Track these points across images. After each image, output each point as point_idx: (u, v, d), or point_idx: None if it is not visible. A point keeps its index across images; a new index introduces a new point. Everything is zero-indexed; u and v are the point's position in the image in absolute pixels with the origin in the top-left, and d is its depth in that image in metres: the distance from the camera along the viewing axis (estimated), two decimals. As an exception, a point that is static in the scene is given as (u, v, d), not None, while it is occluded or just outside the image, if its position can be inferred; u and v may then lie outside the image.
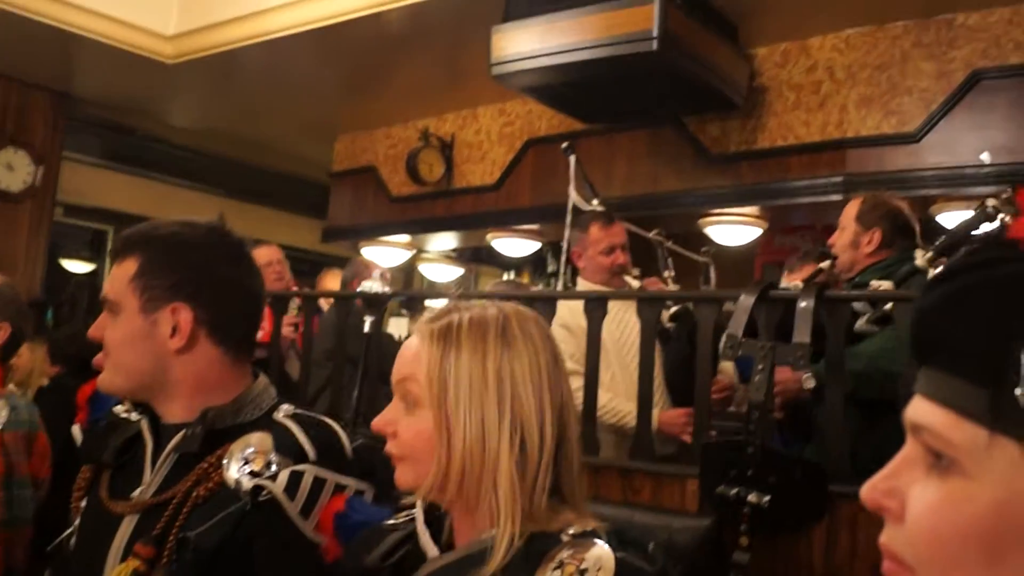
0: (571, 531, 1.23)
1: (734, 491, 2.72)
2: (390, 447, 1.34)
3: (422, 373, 1.29)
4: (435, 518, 1.37)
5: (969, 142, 4.72)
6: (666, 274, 4.10)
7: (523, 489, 1.25)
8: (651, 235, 4.19)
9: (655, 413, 3.38)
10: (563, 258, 4.22)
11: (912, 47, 4.92)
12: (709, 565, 2.71)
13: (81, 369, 3.83)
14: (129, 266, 1.62)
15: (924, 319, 0.73)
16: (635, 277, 3.87)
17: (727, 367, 3.67)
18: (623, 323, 3.65)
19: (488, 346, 1.29)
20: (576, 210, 4.16)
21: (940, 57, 4.85)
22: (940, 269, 0.75)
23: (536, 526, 1.24)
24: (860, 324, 3.13)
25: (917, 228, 3.49)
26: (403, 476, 1.33)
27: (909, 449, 0.72)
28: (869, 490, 0.73)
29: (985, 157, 4.62)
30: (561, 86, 4.93)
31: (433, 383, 1.28)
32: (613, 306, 3.59)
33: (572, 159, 4.35)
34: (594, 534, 1.22)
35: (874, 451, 2.93)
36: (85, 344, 2.78)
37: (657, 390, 3.54)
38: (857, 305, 3.17)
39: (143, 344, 1.60)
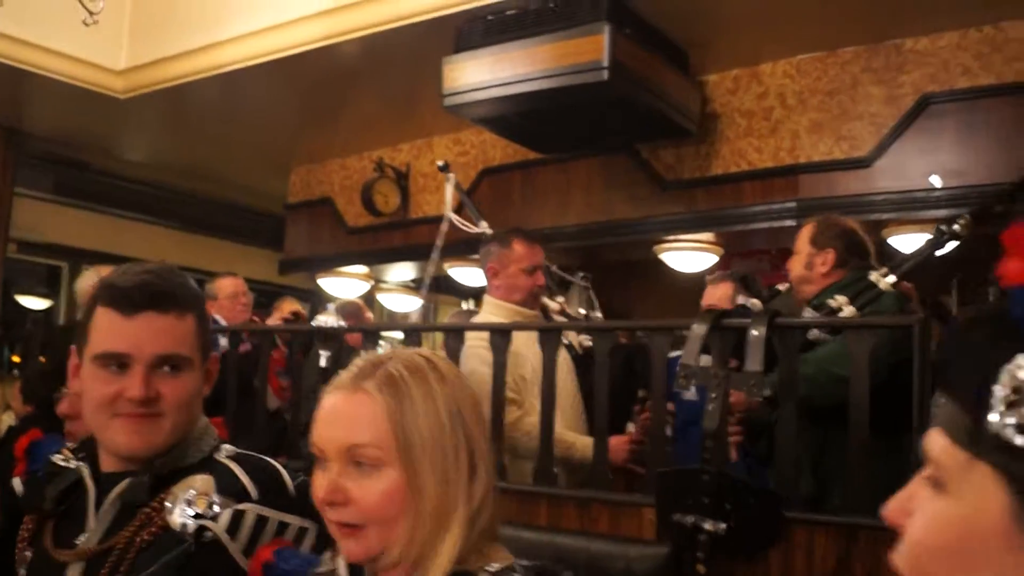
0: (490, 568, 1.21)
1: (690, 519, 2.73)
2: (341, 516, 1.26)
3: (379, 432, 1.24)
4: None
5: (919, 166, 4.78)
6: (559, 299, 4.12)
7: (469, 530, 1.23)
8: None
9: (582, 440, 3.42)
10: (428, 274, 4.16)
11: (862, 72, 4.99)
12: (667, 594, 2.70)
13: (51, 408, 3.77)
14: (190, 323, 1.61)
15: (939, 352, 0.79)
16: (556, 301, 3.85)
17: None
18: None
19: (433, 389, 1.27)
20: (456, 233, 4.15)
21: (890, 82, 4.91)
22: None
23: (459, 566, 1.22)
24: (813, 333, 3.17)
25: (871, 247, 3.53)
26: (362, 545, 1.26)
27: (924, 472, 0.77)
28: (889, 509, 0.79)
29: (935, 181, 4.68)
30: (514, 116, 4.95)
31: (398, 438, 1.24)
32: (535, 335, 3.55)
33: (451, 178, 4.39)
34: (511, 570, 1.21)
35: (832, 468, 2.97)
36: (53, 384, 2.74)
37: (578, 418, 3.56)
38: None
39: (196, 399, 1.64)
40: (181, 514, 1.50)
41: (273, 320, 5.52)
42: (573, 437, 3.51)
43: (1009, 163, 4.54)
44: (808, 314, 3.36)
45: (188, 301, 1.62)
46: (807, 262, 3.49)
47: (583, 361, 3.75)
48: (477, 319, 3.88)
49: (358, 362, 1.32)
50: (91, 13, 4.34)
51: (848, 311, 3.18)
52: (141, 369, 1.54)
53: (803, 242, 3.54)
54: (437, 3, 4.73)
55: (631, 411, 3.68)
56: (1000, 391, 0.67)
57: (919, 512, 0.74)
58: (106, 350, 1.56)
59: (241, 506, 1.51)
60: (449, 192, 4.39)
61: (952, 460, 0.71)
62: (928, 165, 4.74)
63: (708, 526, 2.69)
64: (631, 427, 3.63)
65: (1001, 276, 0.68)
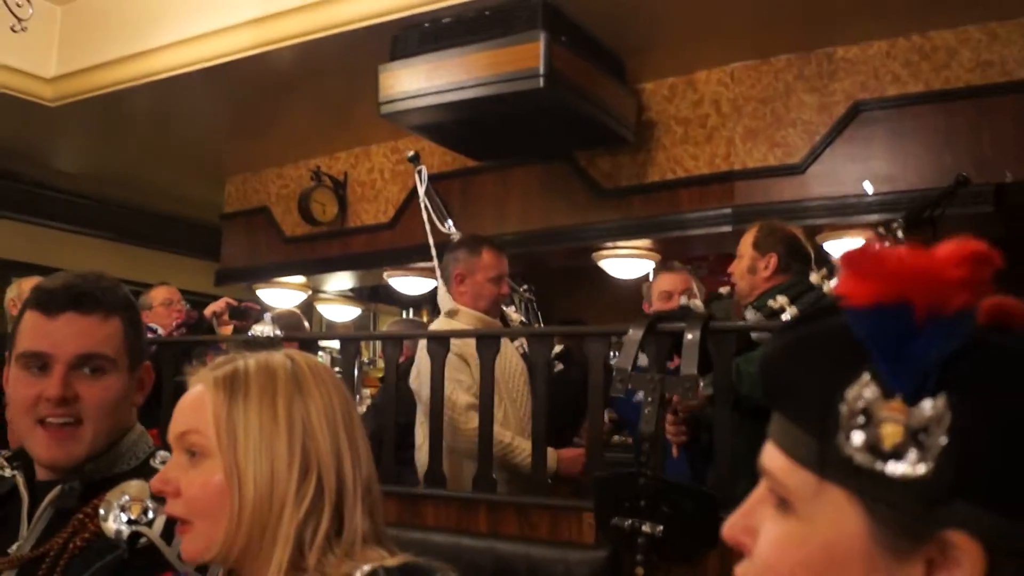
0: (358, 574, 1.20)
1: (628, 522, 2.73)
2: (172, 508, 1.27)
3: (207, 422, 1.25)
4: None
5: (852, 172, 4.85)
6: (511, 309, 4.15)
7: (313, 538, 1.21)
8: None
9: (506, 435, 3.43)
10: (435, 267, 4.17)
11: (795, 80, 5.06)
12: (607, 597, 2.70)
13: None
14: (115, 325, 1.60)
15: (768, 366, 0.75)
16: (516, 311, 3.87)
17: None
18: (504, 356, 3.58)
19: (278, 389, 1.27)
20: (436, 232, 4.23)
21: (822, 90, 4.99)
22: (789, 320, 0.79)
23: (315, 574, 1.21)
24: (757, 334, 3.20)
25: (811, 252, 3.58)
26: (192, 542, 1.26)
27: (762, 489, 0.75)
28: (729, 527, 0.76)
29: (867, 187, 4.75)
30: (450, 124, 4.94)
31: (221, 430, 1.24)
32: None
33: (422, 170, 4.44)
34: (376, 575, 1.19)
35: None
36: None
37: (524, 419, 3.56)
38: (752, 320, 3.26)
39: (123, 405, 1.62)
40: (115, 520, 1.49)
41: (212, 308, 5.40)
42: (511, 438, 3.50)
43: (938, 169, 4.62)
44: (750, 315, 3.39)
45: (114, 304, 1.61)
46: (750, 266, 3.53)
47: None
48: (436, 324, 3.85)
49: (219, 358, 1.33)
50: (19, 20, 4.26)
51: (791, 311, 3.22)
52: (60, 368, 1.53)
53: (745, 246, 3.57)
54: (372, 10, 4.72)
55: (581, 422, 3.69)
56: (847, 413, 0.65)
57: (765, 533, 0.73)
58: (27, 349, 1.56)
59: None
60: (421, 187, 4.37)
61: (798, 482, 0.69)
62: (860, 171, 4.82)
63: (646, 529, 2.69)
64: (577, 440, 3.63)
65: (841, 296, 0.67)
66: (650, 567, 2.72)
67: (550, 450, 3.45)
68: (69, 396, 1.53)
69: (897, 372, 0.64)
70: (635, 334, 2.94)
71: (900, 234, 3.35)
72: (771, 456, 0.73)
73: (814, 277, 3.36)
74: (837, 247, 5.09)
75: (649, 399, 2.80)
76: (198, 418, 1.26)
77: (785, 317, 3.20)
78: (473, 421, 3.45)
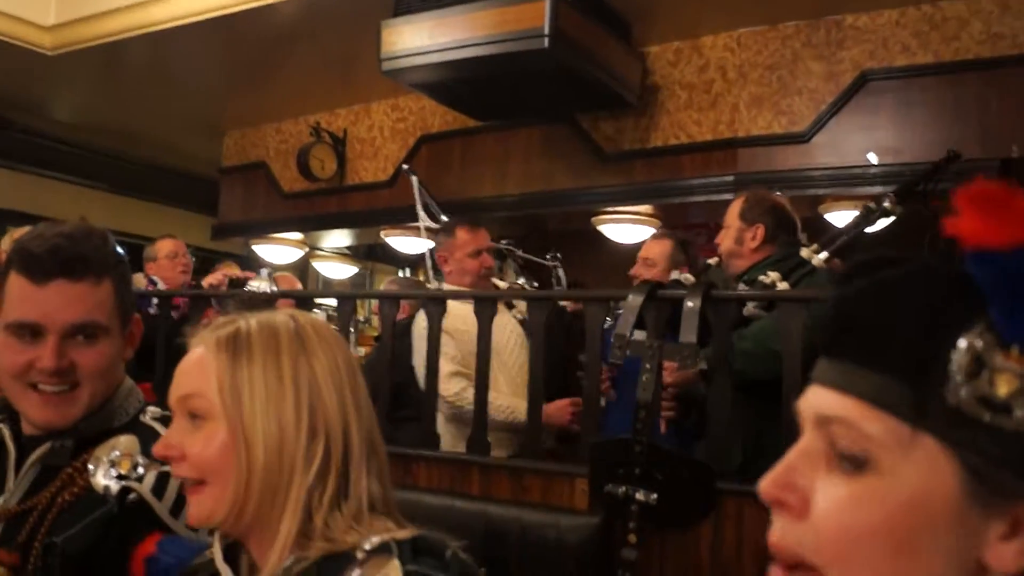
0: (366, 547, 1.15)
1: (622, 489, 2.73)
2: (178, 471, 1.24)
3: (211, 384, 1.22)
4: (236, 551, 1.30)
5: (857, 142, 4.81)
6: (521, 281, 4.21)
7: (320, 502, 1.19)
8: (501, 245, 4.33)
9: (506, 400, 3.50)
10: (428, 263, 4.29)
11: (802, 47, 5.00)
12: (598, 562, 2.70)
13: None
14: (106, 288, 1.56)
15: (842, 309, 0.71)
16: (501, 279, 3.91)
17: None
18: (499, 326, 3.58)
19: (282, 349, 1.24)
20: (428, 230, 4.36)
21: (829, 58, 4.94)
22: (859, 261, 0.73)
23: (331, 545, 1.17)
24: (748, 309, 3.18)
25: (798, 223, 3.56)
26: (200, 505, 1.23)
27: (809, 442, 0.71)
28: (768, 484, 0.71)
29: (872, 157, 4.72)
30: (453, 83, 4.89)
31: (225, 392, 1.21)
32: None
33: (414, 179, 4.57)
34: (387, 547, 1.15)
35: (760, 440, 2.99)
36: None
37: (523, 382, 3.58)
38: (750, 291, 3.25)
39: (117, 364, 1.61)
40: (105, 475, 1.47)
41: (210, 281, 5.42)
42: (511, 400, 3.53)
43: (945, 141, 4.55)
44: (742, 289, 3.37)
45: (104, 265, 1.56)
46: (737, 236, 3.51)
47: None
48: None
49: (219, 319, 1.30)
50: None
51: (782, 286, 3.19)
52: (54, 339, 1.50)
53: (732, 217, 3.55)
54: (376, -36, 4.66)
55: (573, 379, 3.74)
56: (958, 361, 0.63)
57: (827, 493, 0.68)
58: (17, 319, 1.52)
59: (167, 467, 1.44)
60: (416, 194, 4.44)
61: (882, 431, 0.65)
62: (865, 142, 4.78)
63: (640, 496, 2.69)
64: None
65: (957, 237, 0.63)
66: (643, 534, 2.72)
67: (521, 403, 3.50)
68: (65, 366, 1.51)
69: (1019, 321, 0.62)
70: (635, 300, 2.92)
71: (890, 207, 3.33)
72: (837, 403, 0.69)
73: (804, 252, 3.34)
74: (839, 218, 5.06)
75: (648, 367, 2.78)
76: (201, 381, 1.23)
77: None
78: (456, 386, 3.57)
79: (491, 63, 4.51)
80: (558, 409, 3.68)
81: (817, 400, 0.71)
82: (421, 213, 4.48)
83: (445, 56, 4.53)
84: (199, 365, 1.24)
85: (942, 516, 0.64)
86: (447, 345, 3.56)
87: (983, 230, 0.60)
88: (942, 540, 0.64)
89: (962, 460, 0.63)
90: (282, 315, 1.29)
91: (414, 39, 4.58)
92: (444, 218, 4.41)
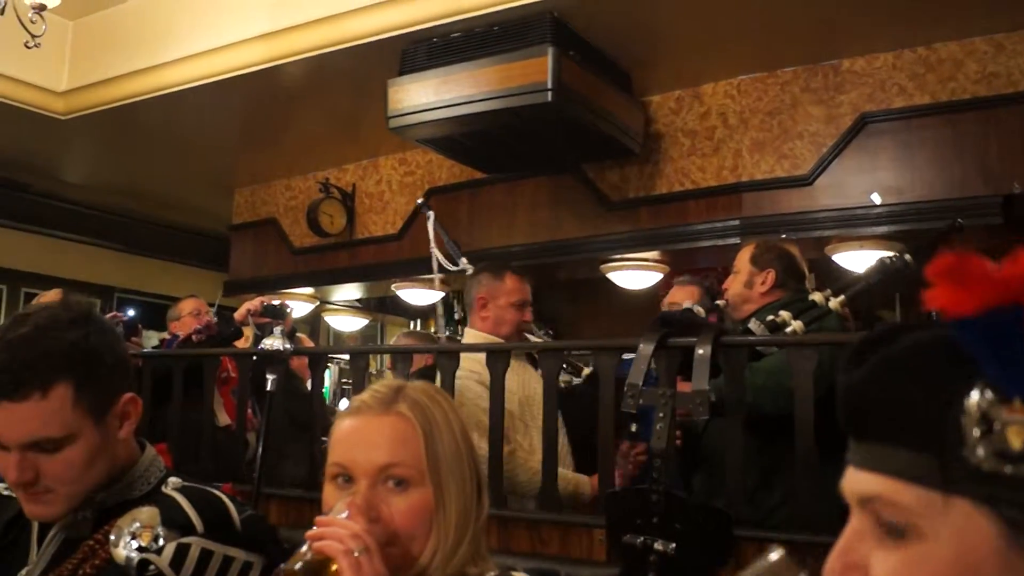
0: (491, 575, 1.28)
1: (640, 539, 2.73)
2: (371, 533, 1.24)
3: (416, 452, 1.30)
4: None
5: (859, 183, 4.86)
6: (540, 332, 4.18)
7: (476, 545, 1.33)
8: None
9: (568, 473, 3.39)
10: (439, 312, 4.24)
11: (801, 92, 5.07)
12: (618, 614, 2.70)
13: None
14: (60, 396, 1.48)
15: (853, 395, 0.75)
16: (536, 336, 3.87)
17: None
18: (524, 383, 3.53)
19: (448, 414, 1.36)
20: (442, 269, 4.29)
21: (828, 101, 5.00)
22: (864, 339, 0.78)
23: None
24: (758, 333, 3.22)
25: (807, 272, 3.60)
26: (388, 560, 1.24)
27: (857, 522, 0.75)
28: (829, 572, 0.75)
29: (875, 198, 4.76)
30: (459, 137, 4.96)
31: (430, 459, 1.30)
32: (516, 366, 3.50)
33: (431, 216, 4.46)
34: (509, 569, 1.30)
35: (766, 476, 3.00)
36: None
37: (563, 448, 3.50)
38: (756, 331, 3.27)
39: (102, 453, 1.54)
40: (125, 547, 1.46)
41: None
42: (573, 476, 3.43)
43: (946, 180, 4.64)
44: (752, 326, 3.39)
45: (50, 372, 1.47)
46: (747, 280, 3.53)
47: (567, 395, 3.74)
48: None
49: (377, 387, 1.38)
50: (33, 36, 4.27)
51: (796, 325, 3.21)
52: (15, 455, 1.47)
53: (743, 262, 3.58)
54: (381, 25, 4.74)
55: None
56: (969, 422, 0.66)
57: (882, 564, 0.72)
58: None
59: (186, 539, 1.48)
60: (431, 229, 4.43)
61: (917, 502, 0.69)
62: (867, 183, 4.83)
63: (658, 546, 2.69)
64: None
65: (938, 309, 0.67)
66: (662, 584, 2.72)
67: (583, 477, 3.43)
68: (29, 478, 1.47)
69: (1012, 376, 0.65)
70: (646, 348, 2.94)
71: (907, 265, 3.35)
72: (873, 483, 0.73)
73: (817, 296, 3.36)
74: (845, 260, 5.10)
75: (661, 415, 2.80)
76: (403, 450, 1.31)
77: (789, 331, 3.20)
78: (519, 462, 3.43)
79: (496, 117, 4.58)
80: (623, 456, 3.43)
81: (855, 482, 0.75)
82: (435, 252, 4.42)
83: (451, 112, 4.60)
84: (402, 435, 1.32)
85: (989, 566, 0.67)
86: (484, 399, 3.41)
87: (955, 300, 0.65)
88: None
89: (996, 513, 0.66)
90: (421, 382, 1.41)
91: (420, 96, 4.66)
92: (464, 261, 4.33)
